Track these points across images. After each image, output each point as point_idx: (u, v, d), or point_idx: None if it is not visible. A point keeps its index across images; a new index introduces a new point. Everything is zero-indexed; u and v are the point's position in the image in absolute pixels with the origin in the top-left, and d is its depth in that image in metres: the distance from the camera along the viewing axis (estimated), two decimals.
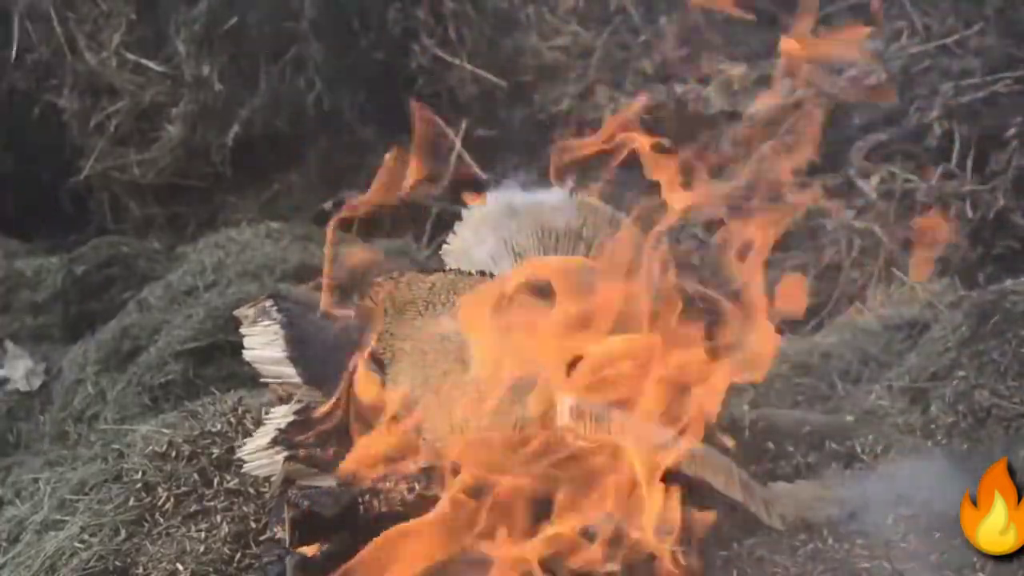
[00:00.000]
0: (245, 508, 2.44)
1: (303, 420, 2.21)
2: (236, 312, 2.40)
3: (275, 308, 2.30)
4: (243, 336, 2.33)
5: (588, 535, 2.07)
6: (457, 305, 2.25)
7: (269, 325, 2.29)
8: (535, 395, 2.12)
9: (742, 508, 2.23)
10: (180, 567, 2.35)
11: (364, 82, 4.32)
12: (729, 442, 2.23)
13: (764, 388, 2.96)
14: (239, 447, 2.36)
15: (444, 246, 2.52)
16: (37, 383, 3.47)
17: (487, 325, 2.16)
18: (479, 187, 2.66)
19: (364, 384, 2.20)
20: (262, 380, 2.32)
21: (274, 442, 2.19)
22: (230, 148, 4.29)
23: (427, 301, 2.28)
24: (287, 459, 2.17)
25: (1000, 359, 2.61)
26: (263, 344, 2.28)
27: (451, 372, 2.23)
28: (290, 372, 2.25)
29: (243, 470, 2.30)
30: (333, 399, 2.21)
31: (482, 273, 2.29)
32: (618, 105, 4.39)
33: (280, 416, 2.23)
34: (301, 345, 2.27)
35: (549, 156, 2.37)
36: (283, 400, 2.28)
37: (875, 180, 3.84)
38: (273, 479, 2.22)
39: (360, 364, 2.21)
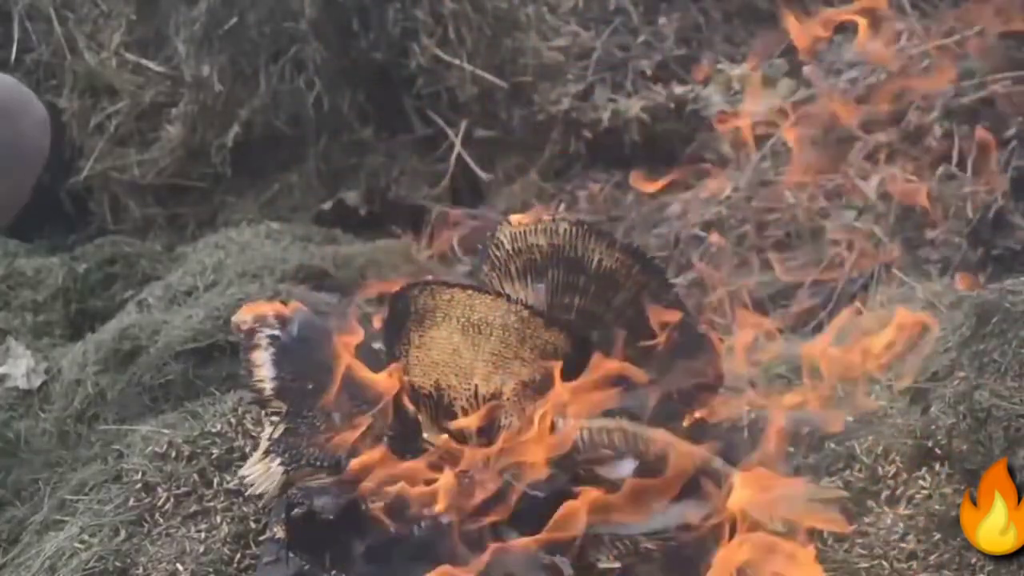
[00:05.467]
0: (245, 508, 2.44)
1: (296, 428, 2.22)
2: (234, 319, 2.40)
3: (273, 316, 2.32)
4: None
5: None
6: (472, 320, 2.28)
7: (264, 341, 2.30)
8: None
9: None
10: (180, 567, 2.35)
11: (364, 82, 4.32)
12: None
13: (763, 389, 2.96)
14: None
15: (494, 234, 2.47)
16: (37, 382, 3.46)
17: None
18: None
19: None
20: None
21: (266, 453, 2.21)
22: (230, 148, 4.29)
23: (445, 313, 2.29)
24: (284, 468, 2.18)
25: (1000, 359, 2.60)
26: (257, 365, 2.29)
27: (455, 386, 2.27)
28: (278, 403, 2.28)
29: (247, 492, 2.31)
30: (328, 401, 2.23)
31: (499, 295, 2.31)
32: (618, 105, 4.39)
33: (273, 429, 2.25)
34: (293, 358, 2.28)
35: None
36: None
37: (875, 181, 3.83)
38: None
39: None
